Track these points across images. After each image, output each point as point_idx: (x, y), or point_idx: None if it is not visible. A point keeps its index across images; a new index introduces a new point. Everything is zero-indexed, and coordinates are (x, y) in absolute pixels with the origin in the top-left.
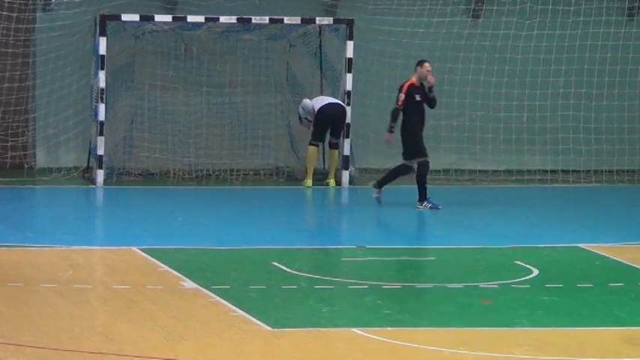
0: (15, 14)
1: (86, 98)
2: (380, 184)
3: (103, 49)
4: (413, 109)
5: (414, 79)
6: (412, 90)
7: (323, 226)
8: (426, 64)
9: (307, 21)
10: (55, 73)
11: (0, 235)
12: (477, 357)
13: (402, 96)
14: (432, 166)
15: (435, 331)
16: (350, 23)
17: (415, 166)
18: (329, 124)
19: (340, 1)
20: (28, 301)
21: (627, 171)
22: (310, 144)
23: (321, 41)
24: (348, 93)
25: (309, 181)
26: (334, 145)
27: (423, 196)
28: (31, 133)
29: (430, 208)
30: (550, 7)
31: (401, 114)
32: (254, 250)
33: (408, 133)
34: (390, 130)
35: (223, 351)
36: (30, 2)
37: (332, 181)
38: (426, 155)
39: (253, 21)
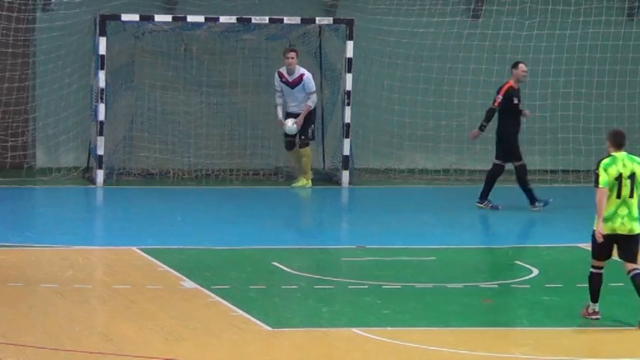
0: (15, 14)
1: (86, 98)
2: (484, 196)
3: (102, 49)
4: (510, 112)
5: (512, 82)
6: (511, 92)
7: (323, 226)
8: (521, 65)
9: (307, 21)
10: (55, 73)
11: (0, 235)
12: (477, 357)
13: (499, 97)
14: (432, 166)
15: (435, 331)
16: (350, 23)
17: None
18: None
19: (340, 1)
20: (28, 301)
21: None
22: (307, 144)
23: (321, 41)
24: (348, 93)
25: (310, 182)
26: (307, 144)
27: (532, 199)
28: (31, 133)
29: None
30: (550, 7)
31: (497, 115)
32: (254, 250)
33: (504, 135)
34: (481, 127)
35: (223, 351)
36: (30, 2)
37: (309, 181)
38: (521, 158)
39: (253, 21)
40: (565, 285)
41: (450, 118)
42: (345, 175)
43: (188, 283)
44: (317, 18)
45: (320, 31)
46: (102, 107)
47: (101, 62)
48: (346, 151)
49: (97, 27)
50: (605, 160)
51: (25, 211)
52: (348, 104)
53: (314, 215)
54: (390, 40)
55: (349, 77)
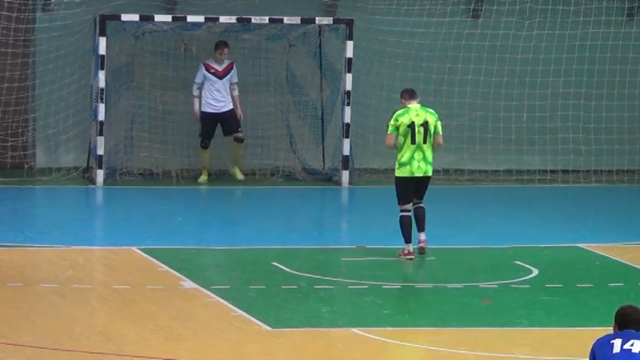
0: (15, 14)
1: (86, 98)
2: None
3: (102, 49)
4: None
5: None
6: None
7: (323, 226)
8: None
9: (307, 21)
10: (55, 73)
11: (0, 235)
12: (477, 357)
13: None
14: None
15: (435, 331)
16: (350, 23)
17: None
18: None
19: (340, 1)
20: (28, 301)
21: (627, 171)
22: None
23: (320, 41)
24: (348, 93)
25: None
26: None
27: None
28: (31, 133)
29: None
30: (550, 7)
31: None
32: (254, 250)
33: None
34: None
35: (223, 351)
36: (30, 2)
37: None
38: None
39: (253, 21)
40: (565, 285)
41: (450, 118)
42: (345, 175)
43: (188, 283)
44: (317, 18)
45: (320, 31)
46: (102, 107)
47: (101, 62)
48: (346, 151)
49: (97, 27)
50: (399, 111)
51: (25, 211)
52: (348, 104)
53: (314, 215)
54: (390, 40)
55: (349, 77)
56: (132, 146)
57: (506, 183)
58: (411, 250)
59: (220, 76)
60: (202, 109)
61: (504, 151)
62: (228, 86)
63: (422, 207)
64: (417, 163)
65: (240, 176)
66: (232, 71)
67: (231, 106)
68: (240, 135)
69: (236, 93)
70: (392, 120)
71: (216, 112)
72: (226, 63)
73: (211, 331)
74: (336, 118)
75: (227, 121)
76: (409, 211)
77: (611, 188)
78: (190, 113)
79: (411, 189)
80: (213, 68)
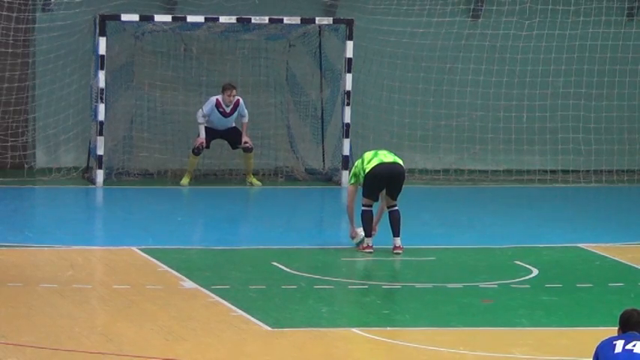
0: (15, 14)
1: (86, 98)
2: None
3: (102, 49)
4: None
5: None
6: None
7: (323, 226)
8: None
9: (307, 21)
10: (55, 73)
11: (0, 235)
12: (477, 357)
13: None
14: (432, 166)
15: (435, 331)
16: (350, 23)
17: None
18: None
19: (340, 1)
20: (28, 301)
21: (627, 171)
22: (251, 149)
23: (320, 41)
24: (348, 93)
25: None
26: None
27: None
28: (31, 133)
29: None
30: (550, 7)
31: None
32: (254, 250)
33: None
34: None
35: (223, 351)
36: (30, 2)
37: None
38: None
39: (253, 21)
40: (565, 285)
41: (450, 118)
42: (345, 175)
43: (188, 283)
44: (317, 18)
45: (320, 31)
46: (102, 107)
47: (101, 62)
48: (346, 151)
49: (97, 27)
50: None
51: (25, 211)
52: (348, 104)
53: (314, 215)
54: (390, 40)
55: (349, 77)
56: (131, 146)
57: (506, 183)
58: (370, 244)
59: (227, 115)
60: (206, 126)
61: (504, 151)
62: (233, 120)
63: (396, 210)
64: (382, 155)
65: (257, 183)
66: (239, 108)
67: (234, 124)
68: (247, 145)
69: (245, 120)
70: (354, 169)
71: (218, 129)
72: (233, 103)
73: (211, 331)
74: (336, 118)
75: (233, 136)
76: (370, 206)
77: (611, 188)
78: (190, 113)
79: (383, 182)
80: (222, 107)
